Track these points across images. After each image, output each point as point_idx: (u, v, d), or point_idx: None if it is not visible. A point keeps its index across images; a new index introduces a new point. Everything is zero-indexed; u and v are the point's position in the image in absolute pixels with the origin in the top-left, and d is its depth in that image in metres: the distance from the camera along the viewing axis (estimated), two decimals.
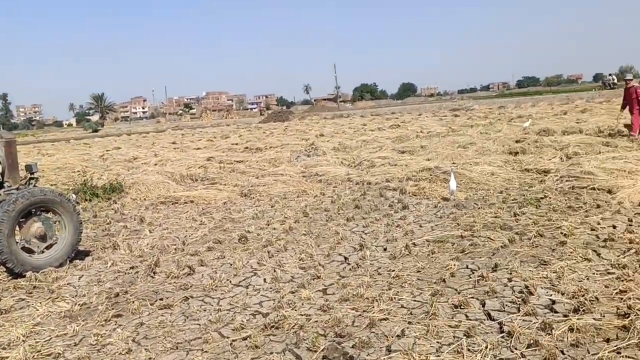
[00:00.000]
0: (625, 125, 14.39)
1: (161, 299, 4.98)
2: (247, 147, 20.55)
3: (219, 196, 10.08)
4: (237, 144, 23.05)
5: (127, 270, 5.97)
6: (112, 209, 9.86)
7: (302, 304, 4.57)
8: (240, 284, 5.27)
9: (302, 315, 4.33)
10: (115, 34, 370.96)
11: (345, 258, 5.83)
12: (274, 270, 5.49)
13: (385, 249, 6.02)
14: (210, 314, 4.52)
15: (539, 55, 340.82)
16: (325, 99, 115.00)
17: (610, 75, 65.35)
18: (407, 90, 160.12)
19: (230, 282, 5.33)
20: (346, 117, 45.85)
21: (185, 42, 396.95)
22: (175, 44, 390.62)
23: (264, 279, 5.32)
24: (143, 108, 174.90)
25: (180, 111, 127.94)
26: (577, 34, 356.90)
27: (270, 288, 5.06)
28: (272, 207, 8.96)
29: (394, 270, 5.22)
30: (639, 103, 13.63)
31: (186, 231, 7.70)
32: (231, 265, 5.84)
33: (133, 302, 4.90)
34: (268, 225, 7.62)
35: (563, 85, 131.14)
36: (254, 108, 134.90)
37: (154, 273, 5.73)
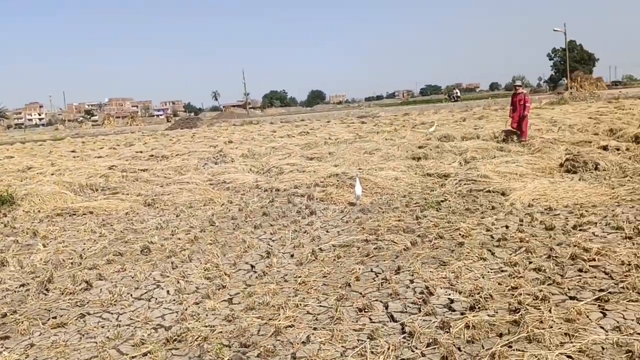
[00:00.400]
0: (507, 132, 15.31)
1: (54, 317, 4.66)
2: (152, 155, 19.89)
3: (120, 206, 9.65)
4: (141, 151, 22.27)
5: (16, 288, 5.55)
6: (2, 223, 9.15)
7: (207, 315, 4.45)
8: (142, 297, 5.05)
9: (206, 326, 4.21)
10: (9, 35, 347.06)
11: (252, 266, 5.76)
12: (178, 282, 5.32)
13: (292, 256, 6.01)
14: (109, 331, 4.29)
15: (440, 65, 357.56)
16: (234, 106, 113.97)
17: (455, 89, 74.20)
18: (316, 98, 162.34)
19: (131, 295, 5.10)
20: (256, 123, 45.68)
21: (86, 46, 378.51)
22: (76, 47, 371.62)
23: (167, 291, 5.14)
24: (39, 115, 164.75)
25: (81, 118, 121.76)
26: (475, 46, 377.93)
27: (174, 300, 4.89)
28: (177, 216, 8.69)
29: (300, 277, 5.21)
30: (525, 109, 14.61)
31: (84, 244, 7.29)
32: (132, 278, 5.60)
33: (22, 322, 4.55)
34: (172, 235, 7.39)
35: (462, 94, 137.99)
36: (161, 115, 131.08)
37: (47, 290, 5.37)
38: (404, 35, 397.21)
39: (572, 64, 75.44)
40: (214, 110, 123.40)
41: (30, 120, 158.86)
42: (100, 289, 5.30)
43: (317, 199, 9.04)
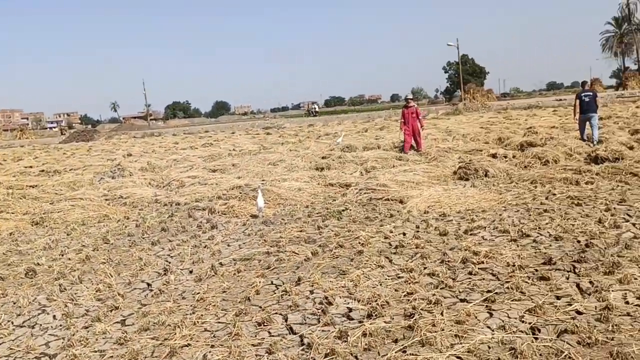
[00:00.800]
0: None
1: None
2: (43, 170, 18.66)
3: (4, 226, 8.94)
4: (31, 166, 20.84)
5: None
6: None
7: (97, 339, 4.20)
8: (25, 324, 4.69)
9: (95, 352, 3.97)
10: None
11: (149, 284, 5.52)
12: (66, 305, 4.99)
13: (191, 272, 5.83)
14: None
15: (343, 77, 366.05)
16: (135, 117, 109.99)
17: (314, 104, 79.52)
18: (221, 109, 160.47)
19: (12, 323, 4.72)
20: (157, 135, 44.28)
21: None
22: None
23: (54, 316, 4.80)
24: None
25: None
26: (377, 59, 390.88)
27: (60, 325, 4.58)
28: (67, 235, 8.18)
29: (198, 293, 5.07)
30: (415, 121, 15.09)
31: None
32: (14, 304, 5.19)
33: None
34: (62, 255, 6.93)
35: (365, 105, 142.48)
36: (54, 127, 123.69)
37: None
38: (307, 46, 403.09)
39: (466, 76, 79.87)
40: (113, 122, 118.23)
41: None
42: None
43: (218, 212, 8.87)
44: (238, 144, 24.70)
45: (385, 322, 4.06)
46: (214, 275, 5.61)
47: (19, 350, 4.12)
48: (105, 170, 16.00)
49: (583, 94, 14.39)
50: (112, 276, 5.79)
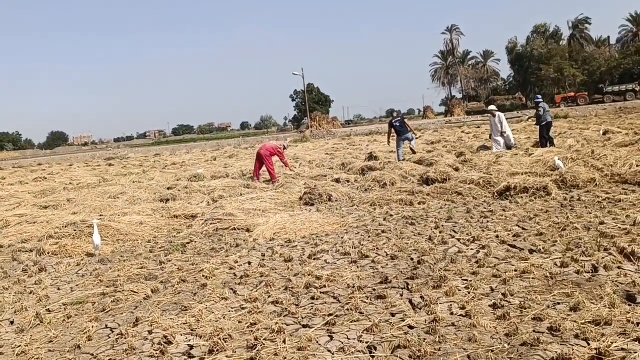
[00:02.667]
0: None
1: None
2: None
3: None
4: None
5: None
6: None
7: None
8: None
9: None
10: None
11: None
12: None
13: (12, 322, 5.21)
14: None
15: (192, 105, 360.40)
16: None
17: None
18: (57, 140, 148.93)
19: None
20: None
21: None
22: None
23: None
24: None
25: None
26: (226, 87, 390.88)
27: None
28: None
29: (19, 346, 4.52)
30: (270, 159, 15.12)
31: None
32: None
33: None
34: None
35: (215, 133, 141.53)
36: None
37: None
38: (153, 73, 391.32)
39: (312, 105, 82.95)
40: None
41: None
42: None
43: (49, 253, 8.08)
44: (76, 177, 23.05)
45: (227, 356, 3.95)
46: (39, 324, 5.06)
47: None
48: None
49: (394, 121, 17.39)
50: None
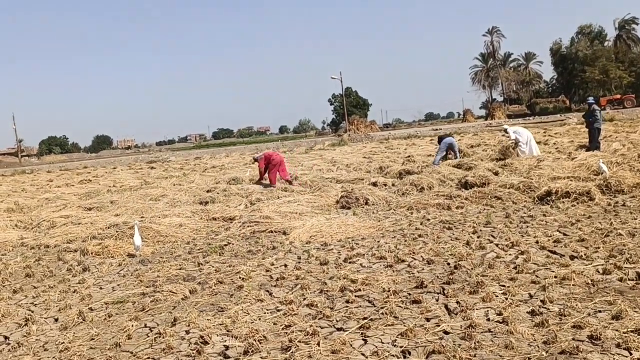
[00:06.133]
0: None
1: None
2: None
3: None
4: None
5: None
6: None
7: None
8: None
9: None
10: None
11: (6, 337, 5.02)
12: None
13: (56, 320, 5.39)
14: None
15: (232, 109, 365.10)
16: (4, 154, 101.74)
17: None
18: (102, 143, 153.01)
19: None
20: (29, 173, 41.21)
21: None
22: None
23: None
24: None
25: None
26: (266, 91, 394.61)
27: None
28: None
29: (63, 343, 4.68)
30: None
31: None
32: None
33: None
34: None
35: (254, 137, 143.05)
36: None
37: None
38: (195, 77, 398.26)
39: (350, 108, 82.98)
40: None
41: None
42: None
43: (92, 253, 8.33)
44: (119, 179, 23.62)
45: (261, 357, 3.99)
46: (81, 322, 5.22)
47: None
48: None
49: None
50: None
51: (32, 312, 5.73)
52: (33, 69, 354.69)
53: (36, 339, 4.89)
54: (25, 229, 11.41)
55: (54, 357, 4.43)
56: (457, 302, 4.75)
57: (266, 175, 15.07)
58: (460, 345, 3.85)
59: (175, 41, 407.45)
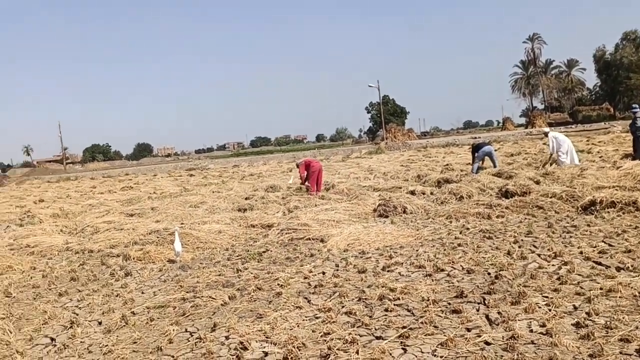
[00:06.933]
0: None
1: None
2: None
3: None
4: None
5: None
6: None
7: None
8: None
9: None
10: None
11: (52, 339, 5.17)
12: None
13: (100, 323, 5.52)
14: None
15: (269, 117, 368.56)
16: (50, 161, 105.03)
17: None
18: (143, 151, 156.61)
19: None
20: (74, 179, 42.52)
21: None
22: None
23: None
24: None
25: None
26: (303, 99, 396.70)
27: None
28: None
29: (106, 346, 4.79)
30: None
31: None
32: None
33: None
34: None
35: (291, 145, 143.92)
36: None
37: None
38: (233, 86, 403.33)
39: (387, 116, 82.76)
40: (25, 166, 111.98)
41: None
42: None
43: (134, 258, 8.52)
44: (159, 186, 24.13)
45: None
46: (124, 326, 5.34)
47: None
48: (13, 218, 15.06)
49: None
50: (11, 332, 5.38)
51: (77, 315, 5.89)
52: (77, 78, 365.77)
53: (81, 341, 5.02)
54: (70, 234, 11.75)
55: (98, 359, 4.53)
56: (499, 313, 4.65)
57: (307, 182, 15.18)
58: (502, 356, 3.77)
59: (215, 50, 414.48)
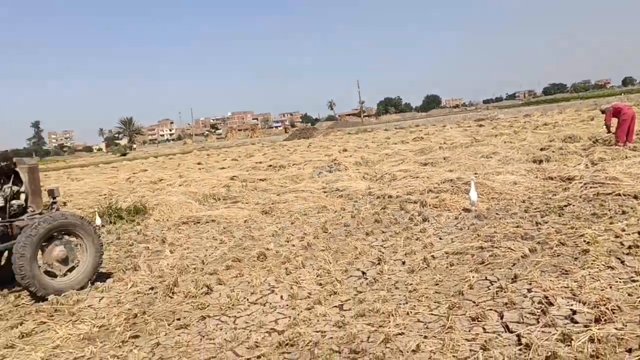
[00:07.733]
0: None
1: (178, 319, 4.99)
2: (270, 165, 20.69)
3: (240, 215, 10.12)
4: (261, 162, 23.23)
5: (146, 291, 6.01)
6: (135, 231, 9.99)
7: (318, 321, 4.53)
8: (257, 301, 5.25)
9: (317, 331, 4.29)
10: (142, 59, 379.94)
11: (363, 273, 5.78)
12: (291, 287, 5.47)
13: (403, 263, 5.95)
14: (226, 333, 4.50)
15: (566, 62, 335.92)
16: (349, 115, 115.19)
17: None
18: (431, 103, 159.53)
19: (247, 300, 5.32)
20: (370, 131, 45.89)
21: (210, 63, 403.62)
22: (201, 66, 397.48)
23: (281, 296, 5.30)
24: (170, 130, 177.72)
25: (207, 132, 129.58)
26: (606, 40, 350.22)
27: (287, 305, 5.03)
28: (292, 223, 8.96)
29: (411, 284, 5.15)
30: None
31: (206, 250, 7.74)
32: (249, 283, 5.83)
33: (150, 322, 4.92)
34: (287, 242, 7.61)
35: (591, 91, 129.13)
36: (279, 126, 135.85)
37: (173, 293, 5.75)
38: (525, 30, 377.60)
39: None
40: (329, 119, 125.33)
41: (162, 135, 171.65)
42: (220, 294, 5.59)
43: (430, 205, 8.87)
44: (449, 137, 24.37)
45: (616, 328, 3.67)
46: (426, 268, 5.64)
47: (254, 325, 4.64)
48: (323, 165, 17.08)
49: None
50: (330, 263, 6.19)
51: (383, 253, 6.43)
52: (376, 37, 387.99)
53: (388, 277, 5.50)
54: (371, 180, 12.80)
55: (404, 296, 4.90)
56: None
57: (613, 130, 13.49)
58: None
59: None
